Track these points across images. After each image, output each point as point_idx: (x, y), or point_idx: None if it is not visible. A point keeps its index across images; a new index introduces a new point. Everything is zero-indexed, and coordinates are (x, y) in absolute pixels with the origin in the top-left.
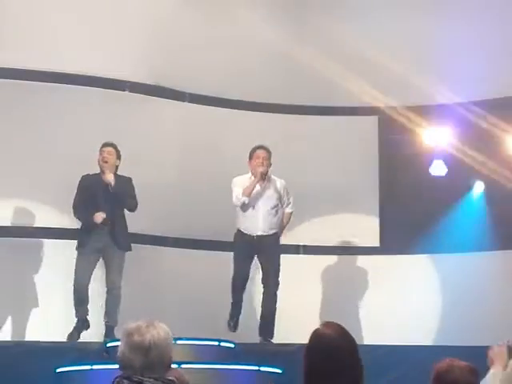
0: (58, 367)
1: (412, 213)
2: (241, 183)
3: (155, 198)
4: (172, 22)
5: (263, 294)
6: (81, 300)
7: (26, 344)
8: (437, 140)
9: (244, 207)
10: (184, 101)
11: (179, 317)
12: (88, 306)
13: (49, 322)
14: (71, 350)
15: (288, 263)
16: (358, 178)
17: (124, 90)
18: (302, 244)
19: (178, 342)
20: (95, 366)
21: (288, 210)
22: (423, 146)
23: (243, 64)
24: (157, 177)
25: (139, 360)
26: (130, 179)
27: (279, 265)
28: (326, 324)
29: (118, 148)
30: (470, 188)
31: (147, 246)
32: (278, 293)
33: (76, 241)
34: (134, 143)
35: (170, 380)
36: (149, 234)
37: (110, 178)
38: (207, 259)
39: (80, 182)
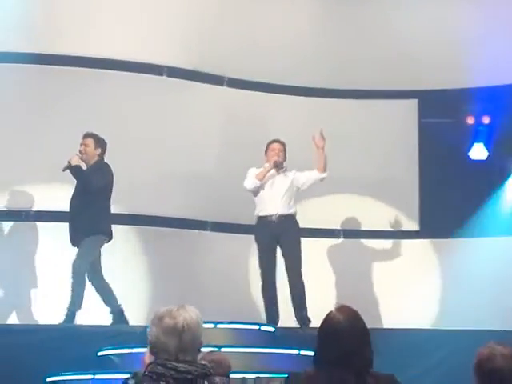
0: (100, 350)
1: (452, 197)
2: (254, 173)
3: (195, 183)
4: (210, 6)
5: (288, 281)
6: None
7: (69, 327)
8: (477, 123)
9: (258, 191)
10: (223, 85)
11: (219, 301)
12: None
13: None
14: (113, 333)
15: (327, 247)
16: (397, 161)
17: (162, 75)
18: (341, 228)
19: (219, 325)
20: (135, 350)
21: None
22: (463, 129)
23: (281, 48)
24: (197, 161)
25: (173, 343)
26: (104, 164)
27: (300, 249)
28: (339, 307)
29: (99, 136)
30: (510, 172)
31: (187, 230)
32: (316, 276)
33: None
34: (173, 128)
35: (203, 364)
36: (189, 218)
37: (72, 158)
38: (247, 243)
39: None
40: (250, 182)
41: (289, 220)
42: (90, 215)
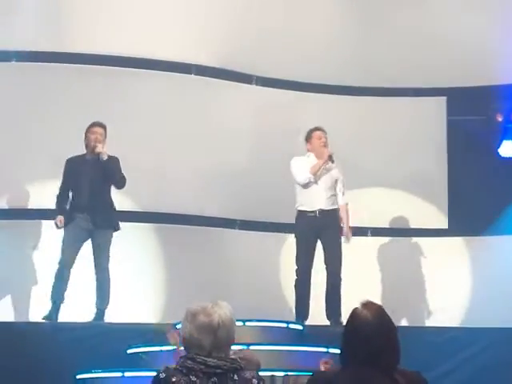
0: (130, 348)
1: (481, 194)
2: (301, 164)
3: (223, 181)
4: (238, 4)
5: (326, 276)
6: (61, 280)
7: (99, 325)
8: (506, 121)
9: (306, 185)
10: (251, 84)
11: (248, 299)
12: (65, 289)
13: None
14: (143, 331)
15: (355, 245)
16: (426, 159)
17: (190, 74)
18: (369, 226)
19: (247, 323)
20: (165, 348)
21: (342, 200)
22: (492, 126)
23: (310, 46)
24: (226, 160)
25: (208, 340)
26: (117, 159)
27: (341, 247)
28: (365, 304)
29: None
30: None
31: (218, 228)
32: (344, 275)
33: None
34: (201, 127)
35: (233, 359)
36: (219, 216)
37: (102, 149)
38: (277, 241)
39: (65, 165)
40: (304, 177)
41: (331, 215)
42: (108, 208)
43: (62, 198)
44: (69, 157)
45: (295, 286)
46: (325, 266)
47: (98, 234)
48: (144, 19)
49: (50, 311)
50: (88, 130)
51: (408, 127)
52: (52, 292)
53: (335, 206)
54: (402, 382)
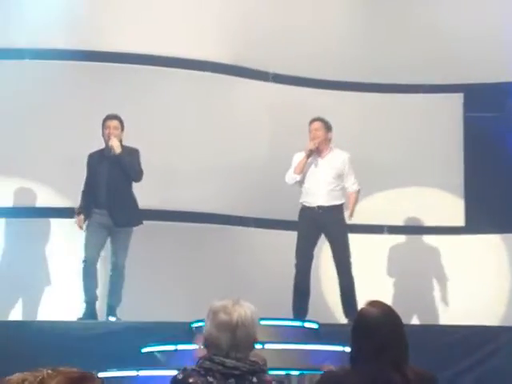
0: (144, 347)
1: (498, 191)
2: (295, 161)
3: (242, 179)
4: (253, 1)
5: (338, 276)
6: (89, 279)
7: (112, 324)
8: None
9: (302, 182)
10: (267, 81)
11: (264, 297)
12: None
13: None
14: (157, 330)
15: (372, 243)
16: (442, 156)
17: (206, 71)
18: (386, 224)
19: (262, 322)
20: (179, 347)
21: (352, 188)
22: (509, 123)
23: (327, 43)
24: (241, 158)
25: (226, 339)
26: (136, 150)
27: (347, 240)
28: (371, 302)
29: (122, 119)
30: None
31: (230, 226)
32: (361, 273)
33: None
34: (217, 125)
35: (253, 361)
36: (234, 214)
37: (114, 143)
38: (292, 239)
39: (87, 161)
40: (289, 178)
41: (333, 211)
42: (128, 204)
43: (86, 193)
44: (90, 152)
45: (294, 281)
46: (334, 264)
47: (117, 231)
48: (159, 17)
49: (84, 312)
50: (103, 124)
51: (425, 124)
52: (84, 292)
53: (338, 202)
54: (411, 377)
